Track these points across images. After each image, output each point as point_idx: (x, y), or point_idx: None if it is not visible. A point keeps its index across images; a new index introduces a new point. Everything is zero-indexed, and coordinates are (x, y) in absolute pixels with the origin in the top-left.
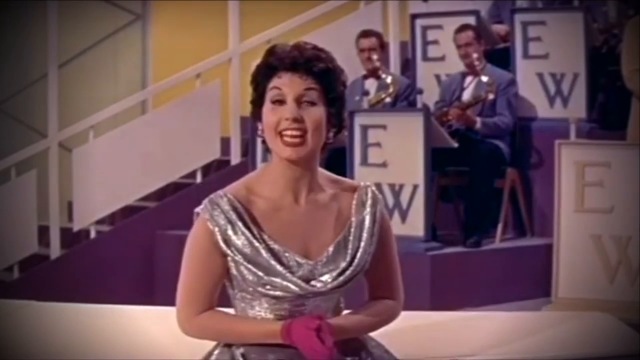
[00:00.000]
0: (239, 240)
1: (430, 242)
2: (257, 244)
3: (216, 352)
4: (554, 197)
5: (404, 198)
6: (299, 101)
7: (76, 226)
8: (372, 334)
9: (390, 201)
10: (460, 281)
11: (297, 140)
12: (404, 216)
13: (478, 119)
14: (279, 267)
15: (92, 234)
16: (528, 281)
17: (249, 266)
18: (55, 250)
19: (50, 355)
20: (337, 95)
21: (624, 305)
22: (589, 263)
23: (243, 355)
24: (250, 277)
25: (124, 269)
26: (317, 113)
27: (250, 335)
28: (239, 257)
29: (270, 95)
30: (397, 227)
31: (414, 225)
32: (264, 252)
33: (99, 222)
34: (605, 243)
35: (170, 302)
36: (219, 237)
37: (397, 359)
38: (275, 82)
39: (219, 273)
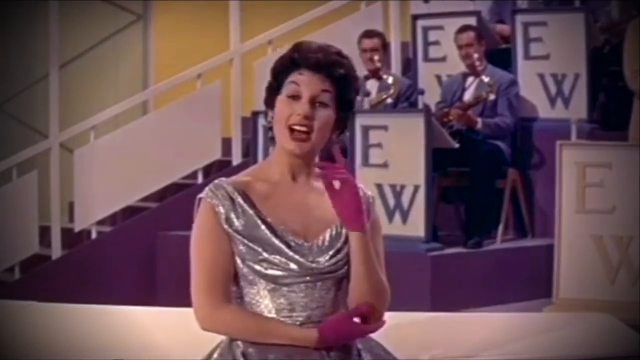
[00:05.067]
0: (239, 220)
1: (431, 243)
2: (257, 220)
3: (217, 352)
4: (555, 197)
5: (405, 199)
6: (312, 100)
7: (77, 227)
8: (372, 335)
9: (392, 202)
10: (461, 282)
11: (303, 136)
12: (405, 217)
13: (479, 120)
14: (277, 242)
15: (94, 235)
16: (529, 282)
17: (249, 243)
18: (56, 250)
19: (51, 356)
20: (347, 101)
21: (625, 306)
22: (590, 264)
23: (244, 354)
24: (249, 256)
25: (125, 270)
26: (326, 115)
27: (282, 336)
28: (238, 237)
29: (287, 88)
30: (398, 228)
31: (415, 225)
32: (263, 227)
33: (100, 222)
34: (606, 243)
35: (171, 302)
36: (222, 217)
37: (396, 359)
38: (295, 77)
39: (230, 253)
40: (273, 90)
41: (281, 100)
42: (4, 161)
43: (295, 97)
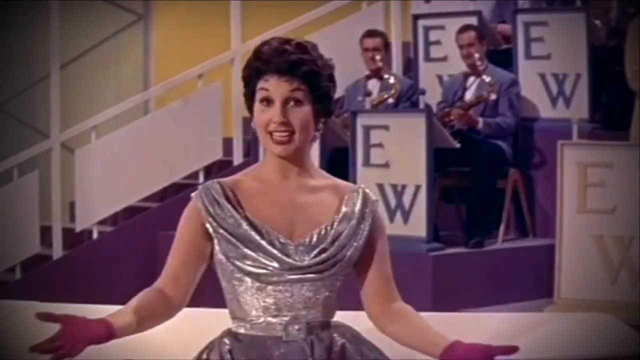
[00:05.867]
0: (224, 216)
1: (433, 243)
2: (240, 219)
3: (207, 350)
4: (556, 197)
5: (407, 199)
6: (286, 102)
7: (78, 227)
8: (368, 336)
9: (393, 202)
10: (462, 282)
11: (285, 138)
12: (406, 217)
13: (480, 119)
14: (259, 239)
15: (95, 235)
16: (530, 282)
17: (232, 239)
18: (57, 250)
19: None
20: (322, 92)
21: (625, 306)
22: (591, 264)
23: (230, 352)
24: (232, 252)
25: (126, 270)
26: (303, 112)
27: None
28: (223, 233)
29: (259, 95)
30: (399, 228)
31: (417, 225)
32: (246, 225)
33: (101, 222)
34: (607, 243)
35: None
36: (203, 213)
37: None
38: (263, 83)
39: (199, 252)
40: (248, 97)
41: (256, 107)
42: (5, 161)
43: (268, 101)
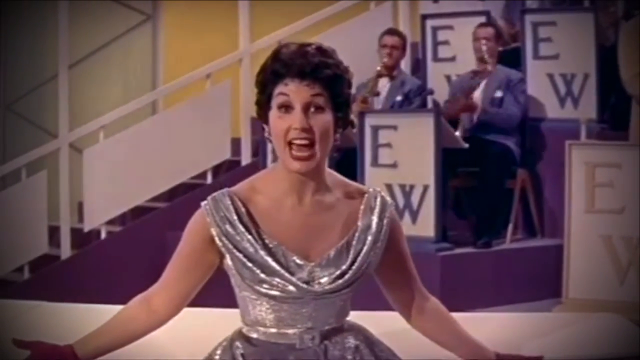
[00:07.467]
0: (239, 238)
1: (441, 243)
2: (255, 243)
3: (218, 351)
4: (564, 197)
5: (415, 199)
6: (306, 108)
7: (86, 227)
8: (381, 337)
9: (401, 202)
10: (470, 282)
11: (305, 153)
12: (414, 217)
13: (479, 104)
14: (275, 266)
15: (103, 235)
16: (538, 282)
17: (248, 264)
18: (65, 250)
19: None
20: (343, 100)
21: (634, 306)
22: (599, 264)
23: (243, 355)
24: (248, 275)
25: (134, 270)
26: (325, 119)
27: None
28: (237, 253)
29: (277, 101)
30: (407, 228)
31: (425, 225)
32: (261, 251)
33: (110, 222)
34: (616, 244)
35: None
36: (214, 233)
37: None
38: (281, 88)
39: (194, 264)
40: (263, 104)
41: (274, 114)
42: (13, 161)
43: (287, 107)
